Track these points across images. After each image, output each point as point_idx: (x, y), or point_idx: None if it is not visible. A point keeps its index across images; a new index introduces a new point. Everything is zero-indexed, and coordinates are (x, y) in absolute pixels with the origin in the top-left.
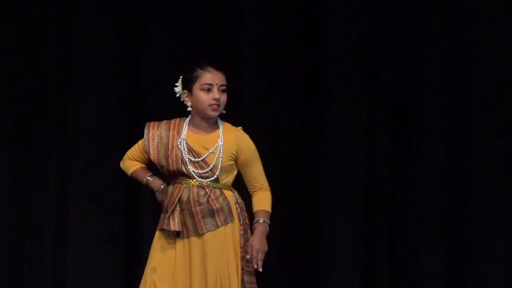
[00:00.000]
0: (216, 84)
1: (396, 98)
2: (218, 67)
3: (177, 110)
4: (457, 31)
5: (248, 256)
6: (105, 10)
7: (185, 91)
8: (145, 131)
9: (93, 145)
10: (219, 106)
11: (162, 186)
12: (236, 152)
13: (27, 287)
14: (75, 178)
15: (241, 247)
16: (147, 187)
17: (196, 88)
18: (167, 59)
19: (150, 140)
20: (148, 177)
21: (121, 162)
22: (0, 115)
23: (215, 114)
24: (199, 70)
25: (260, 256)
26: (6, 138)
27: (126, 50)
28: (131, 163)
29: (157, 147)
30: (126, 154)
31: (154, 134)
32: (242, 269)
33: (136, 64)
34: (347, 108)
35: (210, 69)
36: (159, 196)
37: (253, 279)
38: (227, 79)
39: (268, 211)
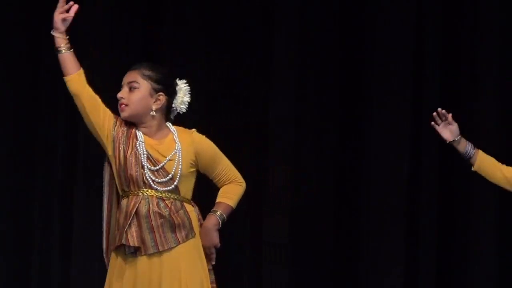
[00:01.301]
0: (126, 83)
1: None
2: (135, 67)
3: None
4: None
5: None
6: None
7: None
8: (113, 118)
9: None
10: (126, 105)
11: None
12: (195, 157)
13: None
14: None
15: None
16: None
17: None
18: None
19: (118, 126)
20: None
21: None
22: (6, 118)
23: (123, 114)
24: None
25: (209, 251)
26: (11, 140)
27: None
28: None
29: (119, 142)
30: None
31: (120, 128)
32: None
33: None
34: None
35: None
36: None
37: (212, 277)
38: (153, 77)
39: (229, 206)
